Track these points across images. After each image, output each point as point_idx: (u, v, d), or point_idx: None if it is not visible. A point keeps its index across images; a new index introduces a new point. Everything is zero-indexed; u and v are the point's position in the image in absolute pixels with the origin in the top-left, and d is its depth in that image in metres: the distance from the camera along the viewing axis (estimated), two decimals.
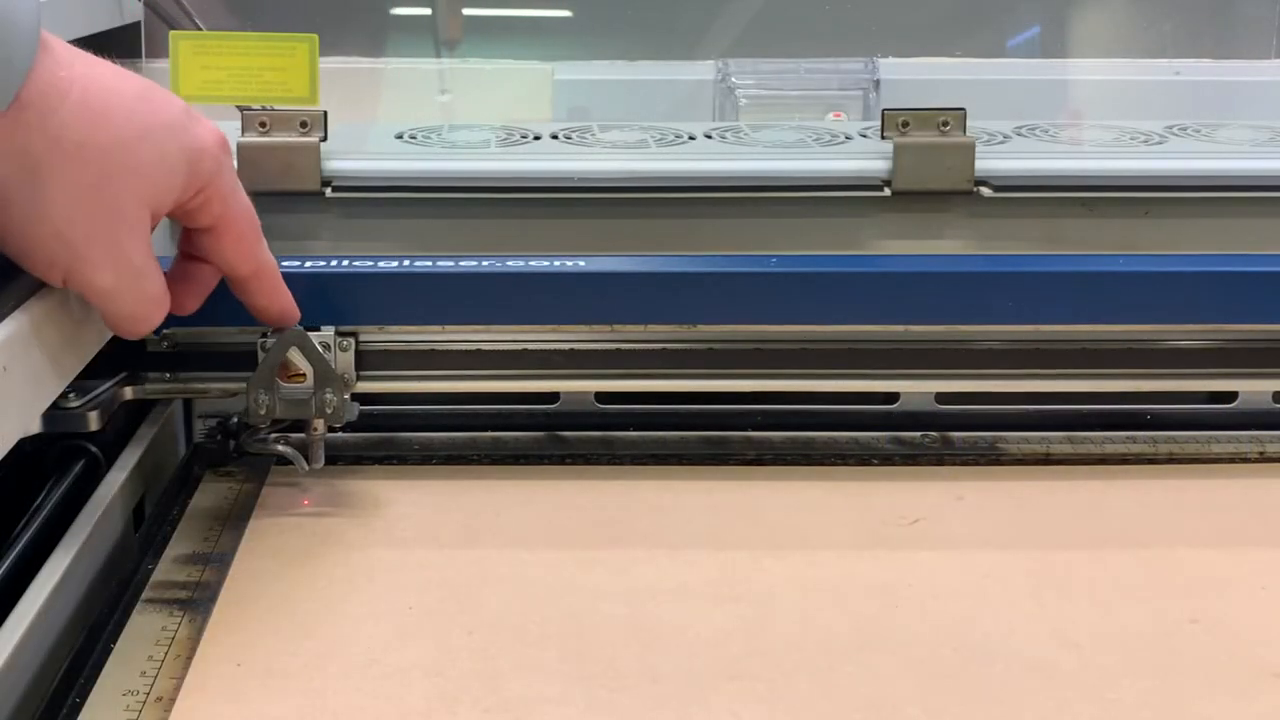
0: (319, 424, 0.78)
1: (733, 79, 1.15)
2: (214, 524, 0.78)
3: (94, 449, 0.79)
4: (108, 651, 0.65)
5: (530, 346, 0.81)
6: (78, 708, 0.61)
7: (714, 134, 0.94)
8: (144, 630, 0.67)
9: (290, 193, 0.85)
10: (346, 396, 0.78)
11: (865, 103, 1.14)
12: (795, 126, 0.97)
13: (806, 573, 0.74)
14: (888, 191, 0.86)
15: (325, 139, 0.85)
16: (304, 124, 0.85)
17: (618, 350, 0.81)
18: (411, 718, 0.61)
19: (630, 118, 0.98)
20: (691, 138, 0.93)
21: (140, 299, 0.66)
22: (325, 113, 0.85)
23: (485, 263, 0.80)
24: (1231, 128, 0.96)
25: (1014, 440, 0.89)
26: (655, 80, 1.18)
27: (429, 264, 0.80)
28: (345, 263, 0.80)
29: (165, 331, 0.78)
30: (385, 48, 1.18)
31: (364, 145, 0.88)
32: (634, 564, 0.74)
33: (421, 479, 0.84)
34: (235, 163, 0.83)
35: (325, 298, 0.78)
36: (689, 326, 0.80)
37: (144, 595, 0.71)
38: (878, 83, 1.14)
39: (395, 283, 0.79)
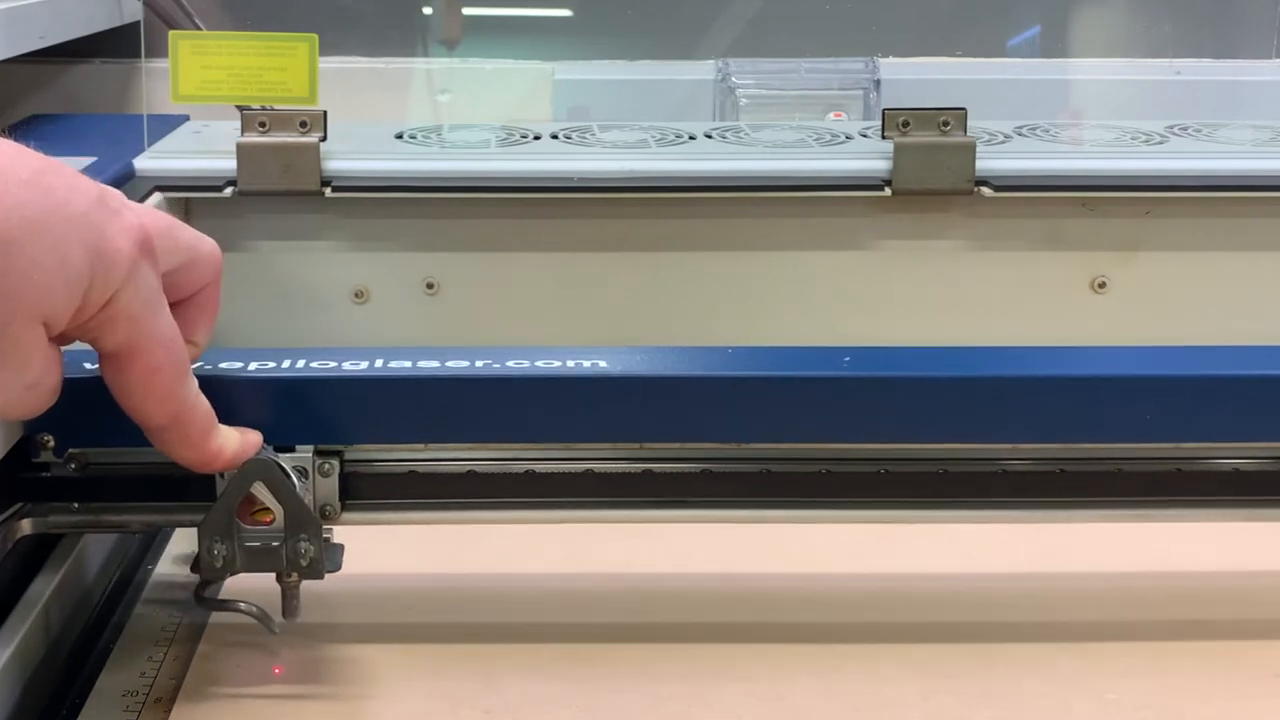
0: (293, 574, 0.62)
1: (733, 79, 1.15)
2: None
3: None
4: (108, 651, 0.65)
5: (537, 468, 0.64)
6: (78, 708, 0.61)
7: (714, 134, 0.94)
8: (144, 630, 0.67)
9: (290, 193, 0.85)
10: (329, 536, 0.62)
11: (865, 103, 1.14)
12: (795, 126, 0.97)
13: (807, 573, 0.74)
14: (888, 191, 0.86)
15: (325, 139, 0.85)
16: (304, 124, 0.84)
17: (648, 472, 0.64)
18: (411, 718, 0.61)
19: (630, 118, 0.98)
20: (691, 138, 0.92)
21: (36, 406, 0.53)
22: (325, 113, 0.84)
23: (479, 362, 0.62)
24: (1232, 128, 0.96)
25: None
26: (655, 80, 1.18)
27: (429, 364, 0.62)
28: (327, 363, 0.62)
29: (73, 451, 0.61)
30: (385, 48, 1.18)
31: (364, 145, 0.88)
32: (635, 565, 0.74)
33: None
34: (235, 166, 0.84)
35: (301, 407, 0.61)
36: (737, 444, 0.64)
37: (144, 595, 0.71)
38: (878, 82, 1.14)
39: (387, 388, 0.61)
